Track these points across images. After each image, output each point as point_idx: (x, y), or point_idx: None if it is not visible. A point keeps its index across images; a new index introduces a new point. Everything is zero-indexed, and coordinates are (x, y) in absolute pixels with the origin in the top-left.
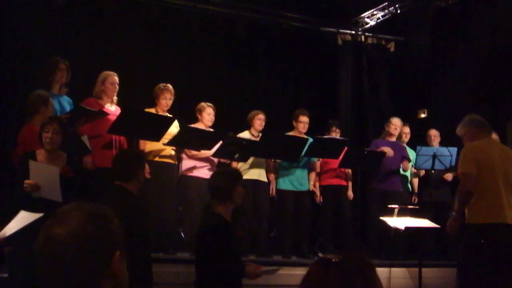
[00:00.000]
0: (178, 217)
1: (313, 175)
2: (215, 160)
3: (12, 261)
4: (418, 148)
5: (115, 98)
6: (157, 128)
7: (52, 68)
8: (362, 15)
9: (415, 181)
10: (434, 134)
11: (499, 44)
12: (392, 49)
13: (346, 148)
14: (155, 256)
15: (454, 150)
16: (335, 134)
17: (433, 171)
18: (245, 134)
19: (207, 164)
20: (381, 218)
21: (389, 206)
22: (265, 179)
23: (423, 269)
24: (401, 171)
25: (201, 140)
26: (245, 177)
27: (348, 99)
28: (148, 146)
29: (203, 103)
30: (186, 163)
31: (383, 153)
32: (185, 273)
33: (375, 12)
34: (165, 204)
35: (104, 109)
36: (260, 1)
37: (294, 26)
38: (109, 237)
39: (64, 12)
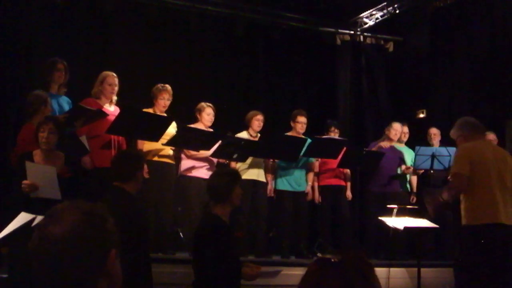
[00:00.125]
0: (177, 217)
1: (311, 176)
2: (215, 160)
3: (12, 262)
4: (417, 148)
5: (114, 98)
6: (156, 128)
7: (50, 68)
8: (361, 15)
9: (414, 181)
10: (434, 132)
11: (498, 44)
12: (390, 49)
13: (345, 148)
14: (154, 256)
15: (453, 150)
16: (334, 134)
17: (432, 171)
18: (243, 135)
19: (206, 164)
20: (380, 218)
21: (388, 206)
22: (263, 179)
23: (422, 269)
24: (398, 170)
25: (199, 140)
26: (243, 177)
27: (347, 99)
28: (146, 146)
29: (202, 103)
30: (185, 163)
31: (382, 154)
32: (184, 273)
33: (373, 12)
34: (164, 204)
35: (103, 109)
36: (259, 1)
37: (292, 26)
38: (105, 236)
39: (63, 12)
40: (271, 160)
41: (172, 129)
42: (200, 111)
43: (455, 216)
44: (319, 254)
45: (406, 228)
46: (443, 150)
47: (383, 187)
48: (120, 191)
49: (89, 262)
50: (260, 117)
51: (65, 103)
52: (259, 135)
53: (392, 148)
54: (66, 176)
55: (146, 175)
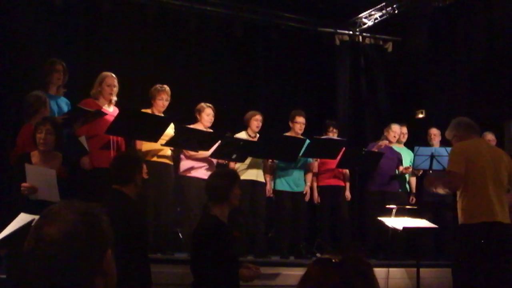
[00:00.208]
0: (176, 217)
1: (309, 176)
2: (214, 160)
3: (10, 263)
4: (416, 148)
5: (114, 99)
6: (155, 128)
7: (48, 69)
8: (360, 15)
9: (413, 181)
10: (434, 133)
11: (496, 44)
12: (389, 49)
13: (344, 148)
14: (153, 257)
15: None
16: (332, 134)
17: (431, 171)
18: (241, 135)
19: (206, 165)
20: (379, 218)
21: (387, 206)
22: (262, 179)
23: (421, 269)
24: (397, 171)
25: (198, 140)
26: (242, 177)
27: (346, 99)
28: (145, 146)
29: (202, 104)
30: (185, 164)
31: (381, 154)
32: (183, 274)
33: (372, 13)
34: (163, 204)
35: (102, 110)
36: (258, 2)
37: (291, 27)
38: (101, 235)
39: (62, 12)
40: (270, 160)
41: (170, 130)
42: (200, 111)
43: (455, 216)
44: (318, 255)
45: (405, 229)
46: (442, 151)
47: (382, 187)
48: (119, 194)
49: (86, 262)
50: (259, 117)
51: (63, 104)
52: (258, 135)
53: (390, 149)
54: (63, 177)
55: (145, 176)
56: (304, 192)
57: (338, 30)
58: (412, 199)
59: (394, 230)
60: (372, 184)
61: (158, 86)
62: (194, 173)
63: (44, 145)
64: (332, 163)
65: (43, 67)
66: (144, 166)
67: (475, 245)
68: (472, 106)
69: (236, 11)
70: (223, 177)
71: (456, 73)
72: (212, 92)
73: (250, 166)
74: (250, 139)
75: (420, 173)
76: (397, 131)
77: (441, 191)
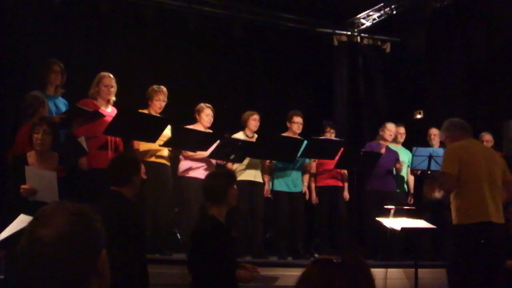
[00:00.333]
0: (174, 218)
1: (306, 177)
2: (213, 160)
3: (8, 263)
4: (414, 148)
5: (112, 99)
6: (153, 129)
7: (46, 69)
8: (358, 16)
9: (411, 181)
10: (434, 133)
11: (495, 45)
12: (388, 50)
13: (342, 149)
14: (151, 257)
15: None
16: (330, 135)
17: (429, 172)
18: (239, 135)
19: (204, 165)
20: (377, 219)
21: (385, 207)
22: (260, 180)
23: (419, 270)
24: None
25: (196, 141)
26: (241, 178)
27: (344, 100)
28: (142, 146)
29: (202, 104)
30: (183, 164)
31: (379, 154)
32: (181, 274)
33: (371, 13)
34: (161, 205)
35: (99, 111)
36: (256, 2)
37: (290, 27)
38: (95, 236)
39: (60, 12)
40: (268, 161)
41: (168, 130)
42: (199, 111)
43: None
44: (316, 255)
45: (403, 229)
46: (440, 151)
47: (380, 187)
48: (117, 196)
49: (81, 263)
50: (256, 116)
51: (61, 104)
52: (255, 135)
53: (388, 149)
54: (61, 175)
55: (143, 176)
56: (303, 192)
57: (336, 31)
58: (410, 200)
59: (393, 230)
60: (370, 184)
61: (155, 86)
62: (192, 174)
63: (41, 145)
64: (330, 164)
65: (41, 68)
66: (143, 167)
67: (469, 245)
68: (471, 107)
69: (234, 12)
70: (220, 177)
71: (454, 74)
72: (210, 93)
73: (248, 167)
74: (248, 139)
75: (419, 173)
76: (393, 130)
77: (440, 194)
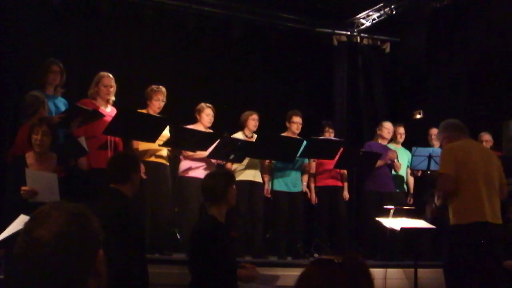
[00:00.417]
0: (174, 218)
1: (305, 177)
2: (214, 160)
3: (8, 263)
4: (414, 149)
5: (112, 98)
6: (153, 129)
7: (44, 69)
8: (358, 16)
9: (411, 181)
10: (434, 133)
11: (494, 45)
12: (387, 50)
13: (342, 149)
14: (151, 257)
15: None
16: (329, 135)
17: (428, 172)
18: (238, 135)
19: (204, 165)
20: (377, 219)
21: (385, 207)
22: (260, 180)
23: (419, 270)
24: (394, 172)
25: (196, 141)
26: (240, 178)
27: (344, 100)
28: (142, 146)
29: (202, 104)
30: (184, 164)
31: (379, 154)
32: (181, 274)
33: (370, 13)
34: (160, 205)
35: (99, 110)
36: (256, 2)
37: (289, 27)
38: (93, 236)
39: (60, 12)
40: (267, 161)
41: (167, 130)
42: (200, 111)
43: None
44: (316, 255)
45: (403, 229)
46: (440, 151)
47: (378, 188)
48: (116, 193)
49: (79, 263)
50: (255, 116)
51: (61, 104)
52: (254, 135)
53: (387, 148)
54: (60, 176)
55: (143, 176)
56: (304, 191)
57: (336, 31)
58: (410, 200)
59: (392, 230)
60: (369, 184)
61: (154, 86)
62: (192, 174)
63: (40, 147)
64: (330, 164)
65: (40, 67)
66: (142, 167)
67: (466, 246)
68: (470, 107)
69: (234, 12)
70: (219, 177)
71: (453, 74)
72: (209, 93)
73: (248, 167)
74: (247, 139)
75: (419, 174)
76: (390, 127)
77: (438, 198)
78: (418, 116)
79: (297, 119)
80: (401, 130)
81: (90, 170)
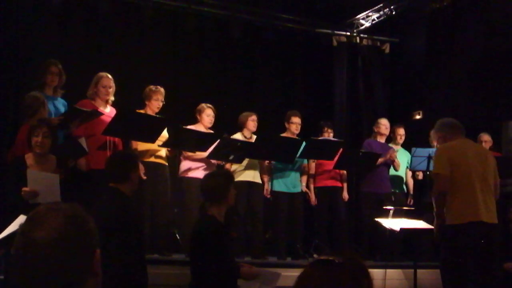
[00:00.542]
0: (173, 218)
1: (305, 178)
2: (213, 161)
3: (7, 264)
4: (413, 149)
5: (111, 99)
6: (152, 129)
7: (43, 70)
8: (357, 16)
9: (410, 182)
10: None
11: (494, 45)
12: (387, 50)
13: (341, 149)
14: (150, 257)
15: None
16: (328, 135)
17: (428, 172)
18: (237, 136)
19: (204, 165)
20: (376, 219)
21: (384, 207)
22: (259, 180)
23: (418, 271)
24: (394, 171)
25: (195, 141)
26: (239, 178)
27: (343, 100)
28: (141, 146)
29: (203, 104)
30: (184, 165)
31: (378, 155)
32: (181, 274)
33: (370, 14)
34: (160, 205)
35: (98, 110)
36: (255, 3)
37: (289, 28)
38: (90, 236)
39: (59, 13)
40: (267, 161)
41: (165, 131)
42: (200, 112)
43: None
44: (315, 255)
45: (402, 230)
46: None
47: (375, 188)
48: (115, 192)
49: (77, 263)
50: (254, 117)
51: (60, 105)
52: (253, 136)
53: (386, 146)
54: (60, 178)
55: (143, 176)
56: (304, 191)
57: (335, 31)
58: (410, 201)
59: (392, 231)
60: (365, 185)
61: (152, 87)
62: (192, 174)
63: (41, 148)
64: (329, 164)
65: (39, 68)
66: (142, 167)
67: (461, 245)
68: (470, 107)
69: (233, 12)
70: (219, 177)
71: (453, 74)
72: (209, 93)
73: (247, 167)
74: (246, 140)
75: (420, 176)
76: (386, 123)
77: (435, 201)
78: (418, 117)
79: (296, 120)
80: (401, 131)
81: (89, 171)
